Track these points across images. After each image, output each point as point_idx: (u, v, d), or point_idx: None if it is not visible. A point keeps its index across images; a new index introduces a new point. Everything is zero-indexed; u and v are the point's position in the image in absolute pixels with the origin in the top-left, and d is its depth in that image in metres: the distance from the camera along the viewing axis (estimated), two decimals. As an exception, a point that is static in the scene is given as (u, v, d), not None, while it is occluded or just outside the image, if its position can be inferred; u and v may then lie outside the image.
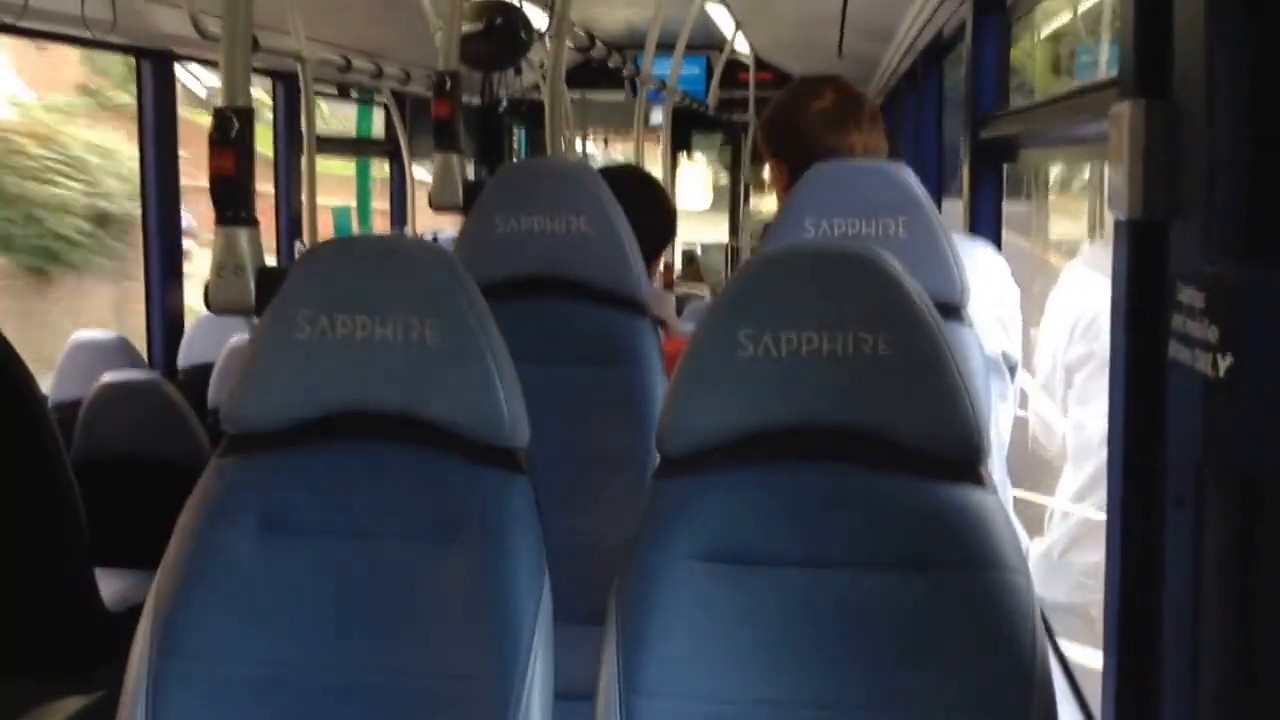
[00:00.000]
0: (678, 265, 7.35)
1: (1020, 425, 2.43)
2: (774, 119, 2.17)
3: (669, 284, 6.52)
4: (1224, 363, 0.96)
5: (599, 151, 9.65)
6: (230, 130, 1.84)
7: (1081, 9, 3.24)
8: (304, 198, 4.89)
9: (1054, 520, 2.74)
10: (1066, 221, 4.40)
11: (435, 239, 6.29)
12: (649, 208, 2.33)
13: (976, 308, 2.01)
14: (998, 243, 3.01)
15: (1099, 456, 2.37)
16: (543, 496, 1.48)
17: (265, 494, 1.47)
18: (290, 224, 5.26)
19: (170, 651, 1.41)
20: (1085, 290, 2.61)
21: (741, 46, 7.56)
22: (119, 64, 8.60)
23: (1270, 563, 1.00)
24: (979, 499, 1.35)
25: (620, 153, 9.89)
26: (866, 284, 1.36)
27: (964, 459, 1.37)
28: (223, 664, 1.41)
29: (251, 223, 1.91)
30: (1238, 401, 0.96)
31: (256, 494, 1.47)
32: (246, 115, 1.87)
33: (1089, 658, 2.14)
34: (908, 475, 1.36)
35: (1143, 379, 1.23)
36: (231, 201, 1.88)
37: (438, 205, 2.87)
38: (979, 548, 1.32)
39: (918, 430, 1.36)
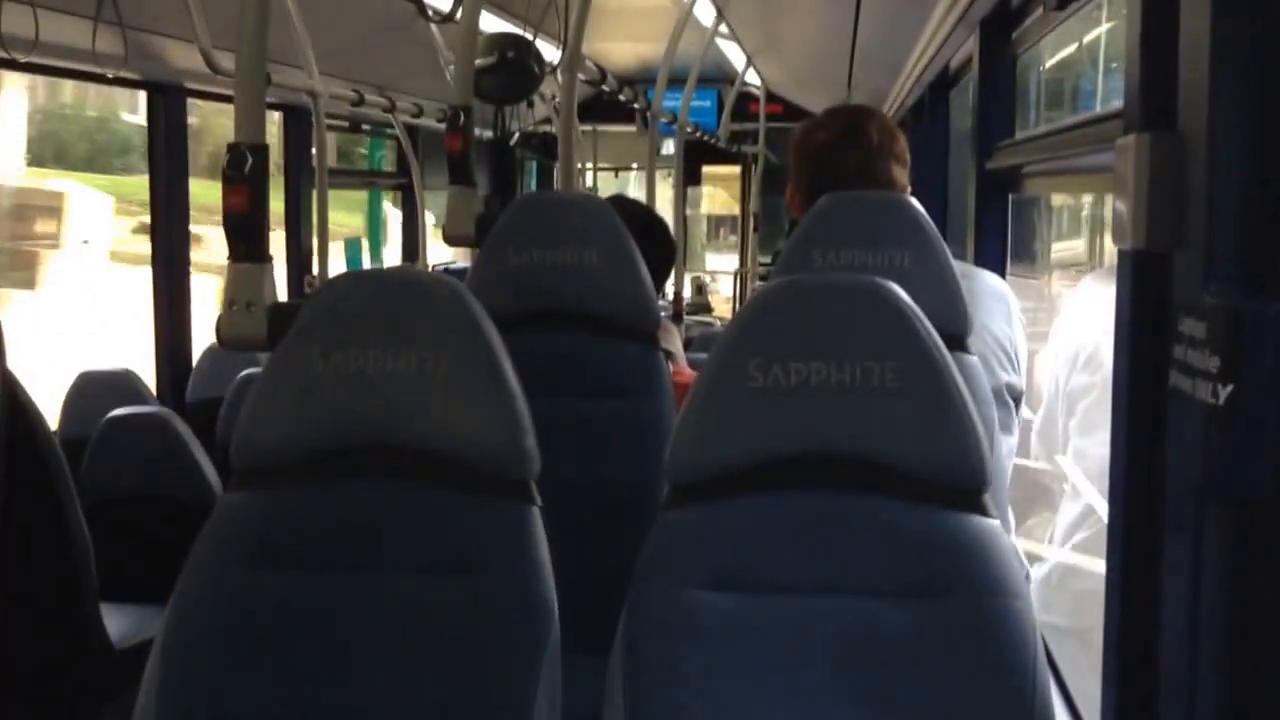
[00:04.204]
0: (687, 295, 7.36)
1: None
2: (792, 150, 2.19)
3: (679, 314, 6.53)
4: (1224, 392, 0.97)
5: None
6: (244, 166, 1.84)
7: (1086, 39, 3.24)
8: (315, 231, 4.91)
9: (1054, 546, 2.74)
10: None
11: (447, 270, 6.31)
12: (648, 239, 2.35)
13: (981, 338, 2.02)
14: (1002, 272, 3.01)
15: (1099, 484, 2.37)
16: (553, 526, 1.49)
17: (276, 529, 1.47)
18: (300, 257, 5.26)
19: (180, 689, 1.41)
20: (1089, 319, 2.61)
21: (752, 79, 7.59)
22: None
23: (1268, 589, 1.00)
24: (983, 527, 1.36)
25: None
26: (874, 315, 1.38)
27: (968, 488, 1.38)
28: (233, 700, 1.41)
29: (264, 259, 1.90)
30: (1238, 430, 0.97)
31: (267, 529, 1.47)
32: (260, 151, 1.87)
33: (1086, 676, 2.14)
34: (913, 503, 1.37)
35: (1144, 407, 1.24)
36: (245, 238, 1.88)
37: (451, 239, 2.89)
38: (983, 575, 1.33)
39: (924, 459, 1.37)
